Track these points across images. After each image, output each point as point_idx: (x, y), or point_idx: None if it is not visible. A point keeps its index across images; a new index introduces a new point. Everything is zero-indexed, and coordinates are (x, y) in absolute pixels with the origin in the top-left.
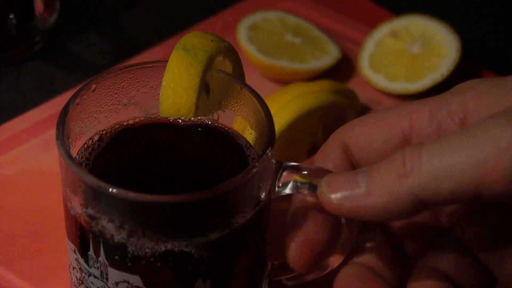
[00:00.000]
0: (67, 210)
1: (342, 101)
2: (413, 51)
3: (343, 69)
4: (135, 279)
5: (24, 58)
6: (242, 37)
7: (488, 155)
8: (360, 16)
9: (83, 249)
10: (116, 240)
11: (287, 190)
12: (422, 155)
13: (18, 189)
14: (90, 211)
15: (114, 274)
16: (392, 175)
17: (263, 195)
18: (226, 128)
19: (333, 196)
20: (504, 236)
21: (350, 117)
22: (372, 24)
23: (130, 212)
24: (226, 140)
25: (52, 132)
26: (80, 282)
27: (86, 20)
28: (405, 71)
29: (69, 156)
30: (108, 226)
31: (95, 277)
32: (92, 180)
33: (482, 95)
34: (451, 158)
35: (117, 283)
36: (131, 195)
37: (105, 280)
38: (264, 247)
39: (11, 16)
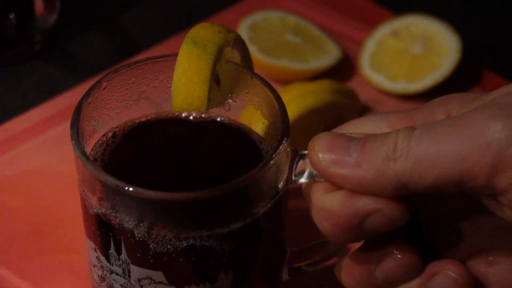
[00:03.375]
0: (85, 209)
1: (342, 101)
2: (414, 51)
3: (344, 69)
4: (158, 275)
5: (24, 58)
6: (243, 37)
7: (470, 151)
8: (360, 16)
9: (103, 248)
10: (137, 238)
11: (303, 179)
12: (411, 140)
13: (18, 189)
14: (109, 210)
15: (136, 271)
16: (382, 155)
17: (280, 185)
18: (238, 123)
19: (321, 156)
20: None
21: (350, 117)
22: (372, 24)
23: (150, 210)
24: (239, 135)
25: (52, 132)
26: (102, 279)
27: (86, 20)
28: (406, 71)
29: (86, 156)
30: (128, 224)
31: (117, 274)
32: (110, 180)
33: (464, 105)
34: (436, 148)
35: (139, 280)
36: (151, 193)
37: (127, 277)
38: (283, 235)
39: (11, 16)
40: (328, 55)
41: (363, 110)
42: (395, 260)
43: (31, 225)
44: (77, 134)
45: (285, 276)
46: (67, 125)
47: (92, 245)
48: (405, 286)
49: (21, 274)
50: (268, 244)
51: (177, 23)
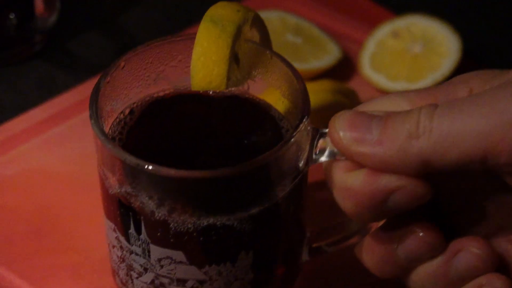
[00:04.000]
0: (104, 189)
1: (342, 101)
2: (414, 51)
3: (344, 69)
4: (178, 255)
5: (24, 58)
6: None
7: (494, 128)
8: (361, 16)
9: (123, 228)
10: (157, 217)
11: (324, 158)
12: (434, 118)
13: (18, 189)
14: (129, 189)
15: (156, 251)
16: (404, 132)
17: (301, 164)
18: (258, 100)
19: (342, 134)
20: None
21: None
22: (373, 24)
23: (170, 189)
24: (259, 111)
25: (52, 132)
26: (121, 260)
27: (86, 20)
28: (406, 71)
29: (105, 135)
30: (148, 203)
31: (137, 254)
32: (130, 159)
33: (487, 81)
34: (460, 125)
35: (159, 260)
36: (172, 172)
37: (147, 257)
38: (303, 215)
39: (11, 16)
40: (328, 55)
41: None
42: (417, 238)
43: (31, 225)
44: (96, 113)
45: (305, 256)
46: (67, 125)
47: (112, 225)
48: (428, 264)
49: (21, 274)
50: (289, 223)
51: (177, 23)
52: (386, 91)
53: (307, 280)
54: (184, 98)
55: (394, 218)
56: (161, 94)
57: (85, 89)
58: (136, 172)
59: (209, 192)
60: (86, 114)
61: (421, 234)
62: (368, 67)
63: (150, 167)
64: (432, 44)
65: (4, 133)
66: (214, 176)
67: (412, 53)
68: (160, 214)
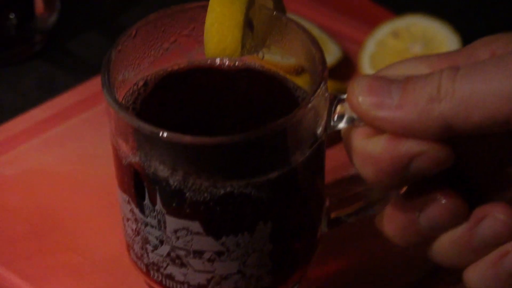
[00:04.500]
0: (118, 160)
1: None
2: (414, 51)
3: (344, 68)
4: (195, 225)
5: (24, 58)
6: None
7: None
8: (360, 16)
9: (137, 199)
10: (172, 187)
11: (342, 124)
12: (456, 80)
13: (18, 189)
14: (144, 158)
15: (172, 222)
16: (425, 95)
17: (319, 131)
18: (272, 70)
19: (361, 99)
20: None
21: None
22: (373, 24)
23: (186, 156)
24: (274, 82)
25: (52, 132)
26: (136, 233)
27: (86, 20)
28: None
29: (118, 103)
30: (162, 172)
31: (152, 226)
32: (144, 126)
33: (509, 43)
34: (483, 86)
35: (175, 231)
36: (187, 138)
37: (162, 229)
38: (322, 184)
39: (11, 16)
40: (328, 55)
41: None
42: (439, 206)
43: (31, 225)
44: (108, 81)
45: (324, 228)
46: (67, 125)
47: (126, 197)
48: (451, 232)
49: (21, 274)
50: (307, 192)
51: None
52: None
53: (325, 255)
54: (199, 71)
55: (416, 185)
56: (175, 67)
57: (85, 89)
58: (151, 140)
59: (226, 159)
60: (86, 114)
61: (443, 201)
62: (368, 67)
63: (165, 134)
64: (432, 44)
65: (4, 133)
66: (231, 141)
67: (412, 53)
68: (175, 183)
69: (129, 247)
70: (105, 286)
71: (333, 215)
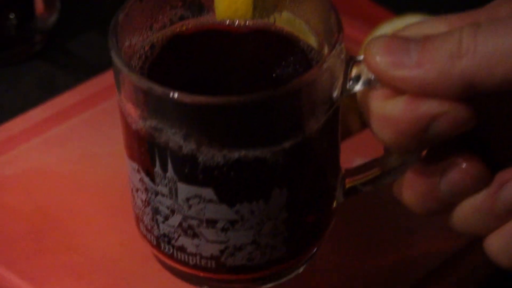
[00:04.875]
0: (127, 126)
1: (342, 100)
2: None
3: None
4: (208, 192)
5: (24, 58)
6: None
7: None
8: (360, 16)
9: (148, 167)
10: (184, 152)
11: (359, 86)
12: (478, 36)
13: (18, 189)
14: (154, 122)
15: (184, 190)
16: (446, 53)
17: (335, 94)
18: (285, 32)
19: (379, 58)
20: None
21: (350, 117)
22: (372, 24)
23: (199, 119)
24: (287, 44)
25: (52, 132)
26: (146, 204)
27: (86, 20)
28: None
29: (127, 65)
30: (174, 137)
31: (163, 195)
32: (155, 87)
33: None
34: (506, 42)
35: (187, 199)
36: (200, 99)
37: (174, 197)
38: (337, 152)
39: (11, 16)
40: None
41: None
42: (460, 170)
43: (31, 225)
44: (116, 43)
45: (339, 197)
46: (67, 125)
47: (135, 166)
48: (472, 198)
49: (21, 274)
50: (324, 159)
51: None
52: None
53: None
54: (209, 32)
55: (436, 150)
56: (184, 29)
57: (85, 89)
58: (162, 103)
59: (240, 121)
60: (86, 114)
61: (464, 165)
62: None
63: (177, 95)
64: None
65: (4, 133)
66: (247, 101)
67: None
68: (187, 148)
69: (139, 220)
70: (105, 286)
71: (348, 184)
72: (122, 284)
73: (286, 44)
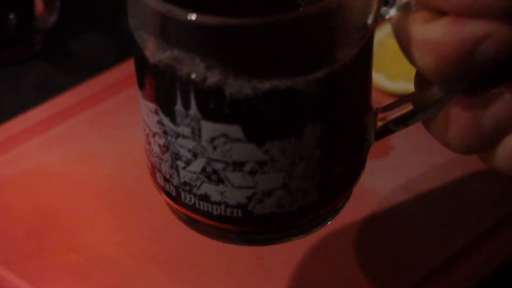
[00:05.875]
0: (142, 61)
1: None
2: None
3: None
4: (234, 130)
5: (24, 58)
6: None
7: None
8: None
9: (167, 105)
10: (208, 84)
11: (394, 11)
12: None
13: (18, 189)
14: (175, 52)
15: (208, 128)
16: None
17: (369, 20)
18: None
19: None
20: None
21: None
22: None
23: (225, 46)
24: None
25: (52, 132)
26: (165, 149)
27: (86, 20)
28: (406, 71)
29: None
30: (198, 67)
31: (184, 137)
32: (176, 11)
33: None
34: None
35: (212, 140)
36: (228, 21)
37: (197, 138)
38: (370, 85)
39: (11, 16)
40: None
41: None
42: (505, 102)
43: (31, 225)
44: None
45: (371, 139)
46: (67, 125)
47: (152, 107)
48: None
49: (21, 274)
50: (357, 90)
51: None
52: (386, 91)
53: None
54: None
55: (478, 82)
56: None
57: (85, 89)
58: (183, 28)
59: (272, 46)
60: (86, 114)
61: (509, 97)
62: None
63: (201, 18)
64: None
65: (4, 133)
66: (276, 22)
67: None
68: (212, 79)
69: (155, 170)
70: (105, 286)
71: (380, 122)
72: (122, 284)
73: None
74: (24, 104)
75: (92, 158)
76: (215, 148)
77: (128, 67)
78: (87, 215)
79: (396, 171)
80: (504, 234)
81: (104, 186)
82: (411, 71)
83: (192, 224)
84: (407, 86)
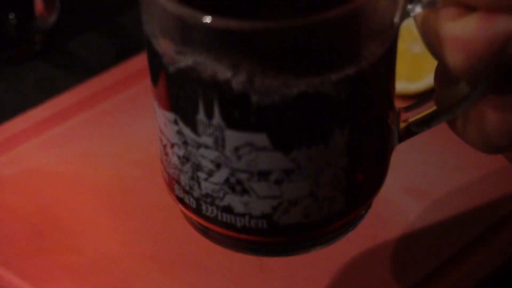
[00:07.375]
0: (161, 69)
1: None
2: (414, 51)
3: None
4: (260, 139)
5: (24, 58)
6: None
7: None
8: None
9: (188, 115)
10: (233, 90)
11: (419, 8)
12: None
13: (18, 189)
14: (198, 58)
15: (232, 138)
16: None
17: (396, 19)
18: None
19: None
20: None
21: None
22: None
23: (251, 50)
24: None
25: (52, 132)
26: (185, 160)
27: (86, 20)
28: (406, 71)
29: None
30: (223, 74)
31: (207, 147)
32: (199, 16)
33: None
34: None
35: (237, 149)
36: (252, 25)
37: (220, 147)
38: (394, 86)
39: (11, 16)
40: None
41: None
42: None
43: (31, 225)
44: None
45: (395, 141)
46: (67, 125)
47: (171, 116)
48: None
49: (21, 274)
50: (384, 92)
51: None
52: None
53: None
54: None
55: (506, 79)
56: None
57: (85, 89)
58: (207, 34)
59: (299, 50)
60: (86, 114)
61: None
62: None
63: (228, 23)
64: None
65: (4, 133)
66: (304, 24)
67: (412, 53)
68: (238, 85)
69: (172, 182)
70: (105, 286)
71: (402, 123)
72: (122, 284)
73: None
74: (24, 104)
75: (92, 158)
76: (239, 157)
77: (128, 67)
78: (87, 215)
79: (396, 171)
80: (504, 234)
81: (104, 186)
82: (411, 71)
83: (212, 236)
84: (407, 85)
